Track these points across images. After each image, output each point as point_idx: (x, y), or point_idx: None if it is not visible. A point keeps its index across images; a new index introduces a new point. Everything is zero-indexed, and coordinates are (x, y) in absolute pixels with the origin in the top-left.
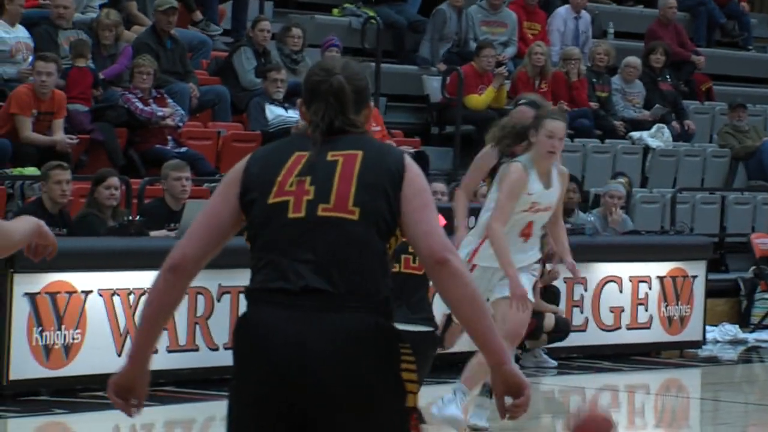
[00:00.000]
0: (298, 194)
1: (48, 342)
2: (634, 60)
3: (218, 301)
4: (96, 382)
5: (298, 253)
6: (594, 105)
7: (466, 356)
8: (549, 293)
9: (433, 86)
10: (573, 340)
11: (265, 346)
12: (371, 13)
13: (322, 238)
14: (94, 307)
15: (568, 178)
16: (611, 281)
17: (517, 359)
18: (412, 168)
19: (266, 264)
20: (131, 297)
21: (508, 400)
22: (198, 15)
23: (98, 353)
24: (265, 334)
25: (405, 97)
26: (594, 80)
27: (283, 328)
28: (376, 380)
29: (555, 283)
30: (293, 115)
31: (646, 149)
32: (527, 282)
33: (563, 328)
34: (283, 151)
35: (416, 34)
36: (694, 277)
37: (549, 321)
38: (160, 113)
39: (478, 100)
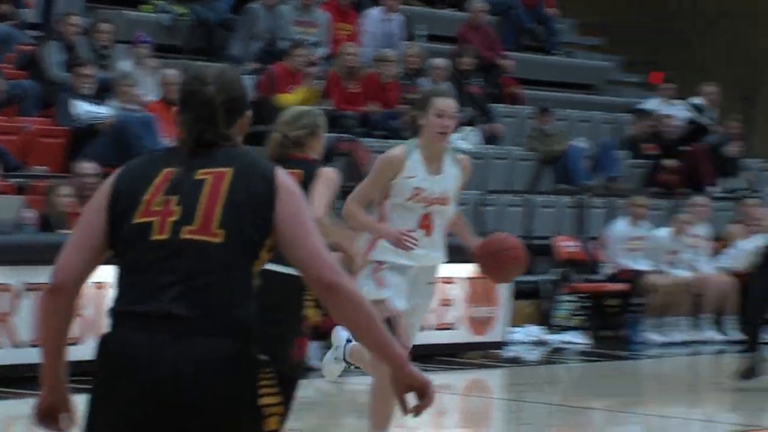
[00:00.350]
0: (163, 215)
1: None
2: (441, 62)
3: (22, 298)
4: None
5: (160, 277)
6: (404, 107)
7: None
8: None
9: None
10: None
11: (134, 366)
12: (182, 10)
13: (184, 262)
14: None
15: (468, 166)
16: None
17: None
18: (286, 186)
19: (130, 285)
20: None
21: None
22: (3, 7)
23: None
24: (133, 355)
25: None
26: (405, 82)
27: (147, 351)
28: (233, 405)
29: None
30: (102, 110)
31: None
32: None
33: None
34: (153, 167)
35: (228, 31)
36: None
37: None
38: None
39: (289, 99)
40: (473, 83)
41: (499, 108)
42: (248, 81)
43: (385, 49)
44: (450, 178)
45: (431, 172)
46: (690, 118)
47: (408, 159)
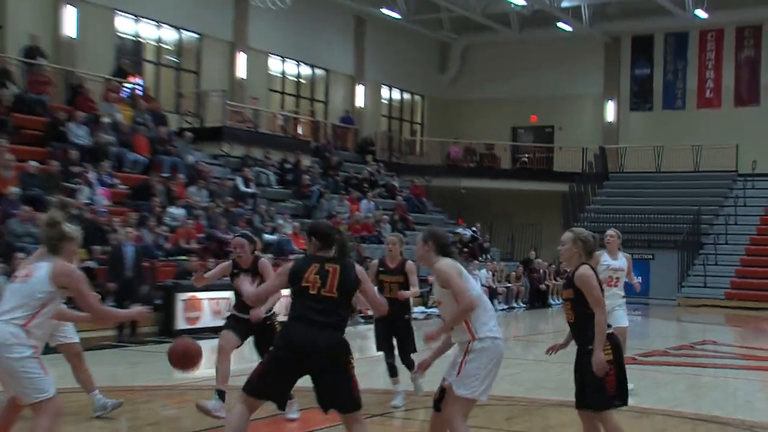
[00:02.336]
0: (313, 282)
1: None
2: None
3: None
4: None
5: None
6: None
7: None
8: None
9: None
10: None
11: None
12: None
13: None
14: None
15: None
16: None
17: None
18: (363, 274)
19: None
20: None
21: None
22: None
23: None
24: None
25: None
26: None
27: (305, 335)
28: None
29: None
30: None
31: None
32: None
33: None
34: (307, 262)
35: None
36: None
37: None
38: None
39: None
40: None
41: None
42: None
43: None
44: None
45: None
46: None
47: None
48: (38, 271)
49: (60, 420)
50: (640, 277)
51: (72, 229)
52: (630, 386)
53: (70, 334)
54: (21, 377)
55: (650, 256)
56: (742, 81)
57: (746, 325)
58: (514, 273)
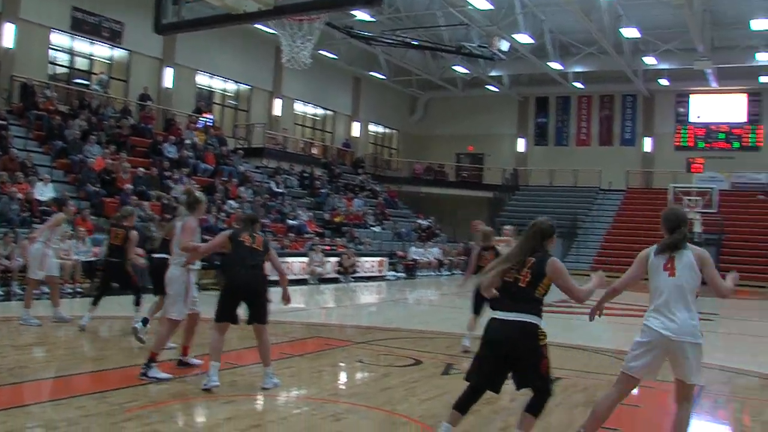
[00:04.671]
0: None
1: None
2: None
3: None
4: None
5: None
6: None
7: None
8: None
9: None
10: None
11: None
12: None
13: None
14: None
15: None
16: None
17: None
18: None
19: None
20: None
21: None
22: None
23: None
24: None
25: None
26: None
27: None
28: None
29: None
30: None
31: None
32: None
33: None
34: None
35: None
36: None
37: None
38: None
39: None
40: None
41: None
42: None
43: None
44: None
45: None
46: None
47: None
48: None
49: None
50: None
51: (201, 195)
52: None
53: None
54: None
55: None
56: (603, 129)
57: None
58: (455, 251)
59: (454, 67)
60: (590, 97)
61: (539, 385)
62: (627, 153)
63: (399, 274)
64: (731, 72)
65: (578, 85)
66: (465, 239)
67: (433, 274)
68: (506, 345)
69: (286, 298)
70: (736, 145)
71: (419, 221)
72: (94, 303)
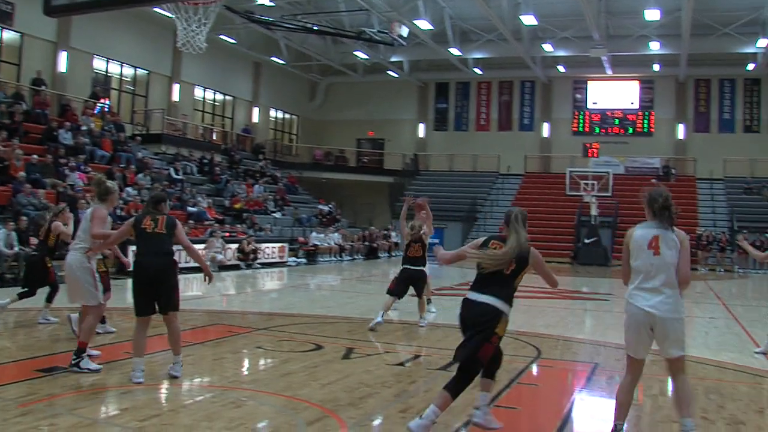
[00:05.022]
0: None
1: None
2: None
3: None
4: None
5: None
6: None
7: None
8: None
9: None
10: None
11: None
12: None
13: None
14: None
15: None
16: None
17: None
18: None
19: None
20: None
21: None
22: None
23: None
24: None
25: None
26: None
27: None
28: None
29: None
30: None
31: None
32: None
33: None
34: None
35: None
36: None
37: None
38: None
39: None
40: None
41: None
42: None
43: None
44: None
45: None
46: None
47: None
48: None
49: None
50: (437, 240)
51: (113, 184)
52: (433, 310)
53: None
54: None
55: (444, 226)
56: (502, 115)
57: None
58: (356, 236)
59: (354, 53)
60: (489, 83)
61: (467, 364)
62: (525, 138)
63: (300, 260)
64: (626, 60)
65: (478, 71)
66: (365, 225)
67: (334, 259)
68: (468, 322)
69: (208, 276)
70: (630, 130)
71: (320, 207)
72: (21, 297)
